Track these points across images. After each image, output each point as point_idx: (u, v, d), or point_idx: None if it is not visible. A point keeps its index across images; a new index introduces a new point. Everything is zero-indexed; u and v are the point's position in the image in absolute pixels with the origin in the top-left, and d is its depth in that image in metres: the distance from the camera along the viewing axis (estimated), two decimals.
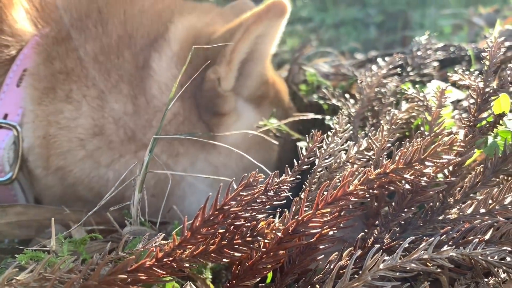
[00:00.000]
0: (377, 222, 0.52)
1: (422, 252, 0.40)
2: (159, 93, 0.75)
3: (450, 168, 0.51)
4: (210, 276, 0.61)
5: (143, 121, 0.74)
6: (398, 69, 0.86)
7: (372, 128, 0.62)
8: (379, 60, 0.92)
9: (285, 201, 0.47)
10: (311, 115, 0.87)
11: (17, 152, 0.71)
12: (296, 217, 0.43)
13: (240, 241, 0.42)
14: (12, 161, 0.72)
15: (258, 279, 0.46)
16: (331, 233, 0.45)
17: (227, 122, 0.79)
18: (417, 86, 0.88)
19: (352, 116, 0.77)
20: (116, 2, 0.79)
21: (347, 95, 0.86)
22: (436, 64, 0.95)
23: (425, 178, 0.45)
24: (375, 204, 0.57)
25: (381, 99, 0.78)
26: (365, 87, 0.79)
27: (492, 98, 0.53)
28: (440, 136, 0.49)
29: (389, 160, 0.43)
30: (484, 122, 0.51)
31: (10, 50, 0.74)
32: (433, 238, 0.41)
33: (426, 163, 0.42)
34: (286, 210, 0.47)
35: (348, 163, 0.53)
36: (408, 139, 0.56)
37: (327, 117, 0.86)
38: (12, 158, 0.72)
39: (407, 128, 0.71)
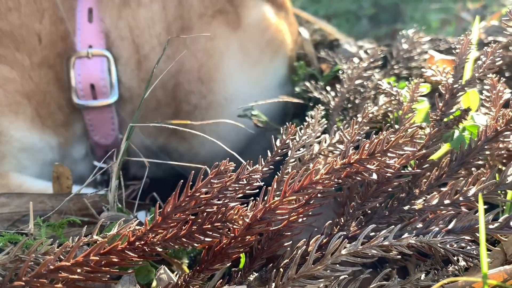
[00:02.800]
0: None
1: (382, 239, 0.42)
2: None
3: (417, 160, 0.53)
4: (187, 261, 0.63)
5: (187, 7, 0.85)
6: (380, 62, 0.87)
7: (345, 122, 0.63)
8: (361, 52, 0.93)
9: (257, 190, 0.49)
10: (295, 100, 0.88)
11: (112, 74, 0.82)
12: (264, 204, 0.45)
13: (209, 226, 0.44)
14: (111, 83, 0.82)
15: (228, 264, 0.48)
16: (300, 220, 0.47)
17: (248, 2, 0.91)
18: (400, 80, 0.90)
19: (331, 109, 0.78)
20: None
21: (328, 88, 0.87)
22: (424, 57, 0.96)
23: (390, 169, 0.47)
24: (347, 193, 0.59)
25: (361, 92, 0.80)
26: (346, 80, 0.80)
27: (460, 93, 0.55)
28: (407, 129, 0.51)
29: (354, 151, 0.45)
30: (451, 117, 0.53)
31: None
32: (393, 226, 0.43)
33: (389, 154, 0.43)
34: (257, 198, 0.49)
35: (320, 155, 0.55)
36: (382, 130, 0.58)
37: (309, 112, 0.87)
38: (110, 80, 0.82)
39: (384, 122, 0.72)
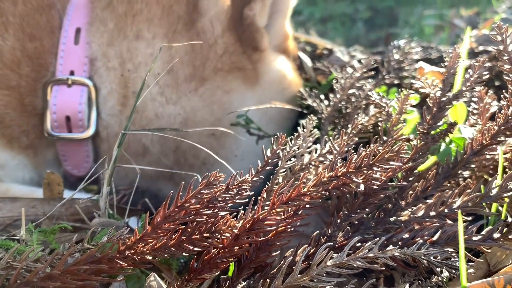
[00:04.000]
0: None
1: (367, 251, 0.43)
2: (210, 27, 0.81)
3: (404, 172, 0.54)
4: (177, 267, 0.63)
5: (200, 58, 0.80)
6: (372, 72, 0.88)
7: (335, 132, 0.64)
8: (354, 62, 0.94)
9: (247, 199, 0.50)
10: (288, 106, 0.89)
11: (92, 107, 0.76)
12: (253, 215, 0.46)
13: (198, 236, 0.44)
14: (89, 116, 0.76)
15: (217, 273, 0.49)
16: (288, 230, 0.48)
17: (267, 58, 0.88)
18: (390, 90, 0.91)
19: (323, 118, 0.79)
20: None
21: (322, 96, 0.88)
22: (414, 67, 0.97)
23: (377, 182, 0.48)
24: (336, 202, 0.60)
25: (353, 102, 0.81)
26: (338, 90, 0.81)
27: (448, 107, 0.56)
28: (395, 142, 0.52)
29: (341, 164, 0.46)
30: (438, 130, 0.54)
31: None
32: (378, 238, 0.44)
33: (375, 168, 0.44)
34: (247, 208, 0.50)
35: (310, 165, 0.56)
36: (371, 143, 0.59)
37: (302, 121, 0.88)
38: (88, 113, 0.76)
39: (373, 132, 0.73)
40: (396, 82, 0.93)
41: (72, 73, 0.75)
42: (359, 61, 0.90)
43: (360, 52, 1.21)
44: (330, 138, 0.57)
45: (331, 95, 0.82)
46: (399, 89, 0.85)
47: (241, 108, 0.82)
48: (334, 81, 0.90)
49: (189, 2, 0.81)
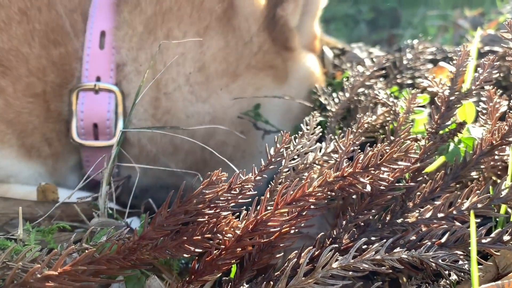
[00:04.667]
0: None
1: (374, 253, 0.42)
2: (245, 25, 0.81)
3: (411, 173, 0.52)
4: (178, 268, 0.62)
5: (235, 54, 0.79)
6: (383, 72, 0.87)
7: (341, 131, 0.63)
8: (366, 60, 0.93)
9: (250, 199, 0.49)
10: (299, 101, 0.88)
11: (119, 114, 0.74)
12: (256, 216, 0.45)
13: (199, 237, 0.43)
14: (116, 123, 0.74)
15: (218, 275, 0.48)
16: (292, 231, 0.47)
17: (297, 57, 0.89)
18: (402, 90, 0.89)
19: (331, 116, 0.78)
20: None
21: (334, 94, 0.87)
22: (427, 67, 0.95)
23: (384, 182, 0.46)
24: (341, 204, 0.59)
25: (362, 101, 0.79)
26: (348, 88, 0.80)
27: (456, 106, 0.54)
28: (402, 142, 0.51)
29: (348, 163, 0.45)
30: (446, 130, 0.53)
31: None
32: (384, 240, 0.43)
33: (382, 168, 0.43)
34: (249, 208, 0.48)
35: (314, 165, 0.54)
36: (378, 142, 0.58)
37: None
38: (115, 120, 0.74)
39: (382, 131, 0.72)
40: (408, 82, 0.91)
41: (98, 79, 0.73)
42: (372, 59, 0.89)
43: (379, 49, 1.20)
44: (336, 137, 0.56)
45: (340, 93, 0.80)
46: (409, 89, 0.84)
47: (269, 105, 0.83)
48: (345, 79, 0.89)
49: None
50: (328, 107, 0.81)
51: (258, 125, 0.82)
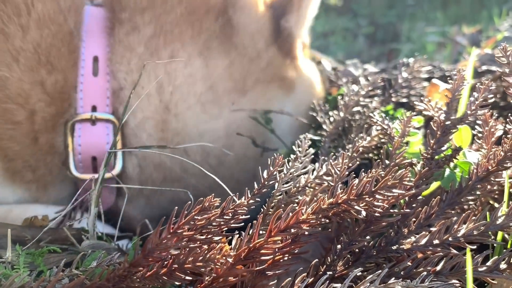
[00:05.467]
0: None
1: (369, 284, 0.41)
2: (251, 42, 0.81)
3: (406, 198, 0.52)
4: None
5: (240, 71, 0.79)
6: (379, 91, 0.87)
7: (333, 153, 0.62)
8: (361, 79, 0.93)
9: (243, 223, 0.48)
10: (295, 116, 0.88)
11: (119, 145, 0.70)
12: (249, 243, 0.44)
13: (190, 265, 0.42)
14: (115, 154, 0.70)
15: None
16: (285, 258, 0.46)
17: (300, 65, 0.90)
18: (397, 110, 0.89)
19: (325, 136, 0.77)
20: None
21: (331, 112, 0.87)
22: (422, 85, 0.95)
23: (379, 209, 0.46)
24: (336, 228, 0.58)
25: (356, 120, 0.79)
26: (342, 107, 0.80)
27: (452, 131, 0.54)
28: (397, 167, 0.50)
29: (342, 190, 0.44)
30: (442, 155, 0.52)
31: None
32: (380, 271, 0.42)
33: (377, 196, 0.42)
34: (242, 233, 0.47)
35: (307, 188, 0.54)
36: (373, 166, 0.57)
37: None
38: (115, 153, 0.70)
39: (377, 152, 0.71)
40: (403, 100, 0.91)
41: (94, 108, 0.70)
42: (367, 78, 0.89)
43: (374, 66, 1.21)
44: (330, 160, 0.56)
45: (335, 112, 0.80)
46: (405, 110, 0.84)
47: (276, 117, 0.83)
48: (339, 97, 0.89)
49: (219, 17, 0.79)
50: (324, 126, 0.81)
51: (256, 143, 0.81)
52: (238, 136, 0.78)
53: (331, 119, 0.81)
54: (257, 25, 0.82)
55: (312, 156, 0.56)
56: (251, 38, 0.82)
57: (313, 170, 0.55)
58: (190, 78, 0.75)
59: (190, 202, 0.45)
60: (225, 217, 0.46)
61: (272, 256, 0.44)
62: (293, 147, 0.57)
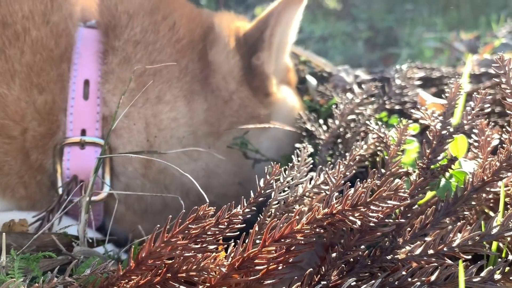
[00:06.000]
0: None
1: None
2: (224, 84, 0.80)
3: (401, 208, 0.52)
4: None
5: (216, 115, 0.79)
6: (373, 99, 0.87)
7: (330, 162, 0.62)
8: (355, 87, 0.93)
9: (238, 232, 0.48)
10: (287, 128, 0.88)
11: (105, 168, 0.71)
12: (243, 253, 0.44)
13: (184, 274, 0.42)
14: (103, 177, 0.71)
15: None
16: (279, 268, 0.46)
17: (277, 99, 0.88)
18: (391, 116, 0.89)
19: (321, 144, 0.78)
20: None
21: (321, 121, 0.87)
22: (416, 92, 0.95)
23: (374, 219, 0.45)
24: (331, 236, 0.58)
25: (352, 128, 0.79)
26: (337, 115, 0.80)
27: (448, 140, 0.54)
28: (392, 177, 0.50)
29: (337, 200, 0.44)
30: (437, 165, 0.52)
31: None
32: (373, 281, 0.42)
33: (371, 206, 0.42)
34: (237, 242, 0.47)
35: (304, 197, 0.54)
36: (368, 175, 0.57)
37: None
38: (103, 175, 0.70)
39: (373, 160, 0.71)
40: (397, 108, 0.92)
41: (83, 132, 0.70)
42: (360, 86, 0.89)
43: (365, 72, 1.21)
44: (327, 168, 0.56)
45: (330, 121, 0.80)
46: (400, 117, 0.84)
47: (259, 151, 0.82)
48: (334, 105, 0.89)
49: (200, 56, 0.79)
50: (317, 134, 0.81)
51: (248, 155, 0.82)
52: (217, 176, 0.79)
53: (324, 127, 0.81)
54: (228, 65, 0.81)
55: (316, 162, 0.56)
56: (224, 79, 0.81)
57: (311, 179, 0.55)
58: (174, 122, 0.76)
59: (184, 211, 0.44)
60: (220, 226, 0.46)
61: (266, 266, 0.44)
62: (292, 156, 0.57)
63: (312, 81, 1.11)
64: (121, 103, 0.69)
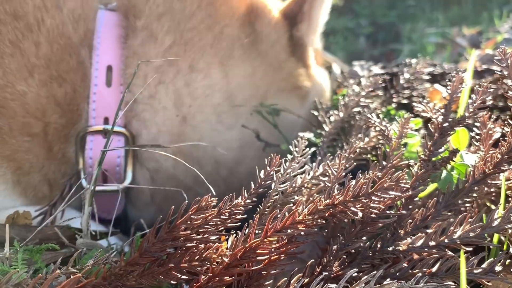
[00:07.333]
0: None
1: (364, 285, 0.41)
2: (273, 53, 0.81)
3: (403, 200, 0.52)
4: None
5: (264, 79, 0.79)
6: (379, 92, 0.87)
7: (329, 154, 0.63)
8: (362, 79, 0.93)
9: (240, 223, 0.48)
10: (297, 114, 0.88)
11: (128, 157, 0.69)
12: (245, 243, 0.44)
13: (187, 264, 0.42)
14: (125, 167, 0.69)
15: None
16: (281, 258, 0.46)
17: (313, 73, 0.91)
18: (398, 112, 0.89)
19: (323, 136, 0.78)
20: None
21: (331, 111, 0.87)
22: (424, 86, 0.95)
23: (375, 210, 0.46)
24: (332, 228, 0.58)
25: (357, 120, 0.79)
26: (341, 107, 0.80)
27: (450, 133, 0.54)
28: (394, 168, 0.50)
29: (339, 191, 0.44)
30: (439, 157, 0.52)
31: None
32: (375, 272, 0.42)
33: (373, 197, 0.42)
34: (238, 233, 0.48)
35: (303, 188, 0.54)
36: (370, 167, 0.57)
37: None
38: (125, 164, 0.69)
39: (375, 153, 0.71)
40: (404, 101, 0.91)
41: (106, 120, 0.68)
42: (368, 79, 0.89)
43: (380, 68, 1.21)
44: (327, 160, 0.56)
45: (335, 112, 0.80)
46: (407, 111, 0.84)
47: (295, 126, 0.83)
48: (340, 97, 0.89)
49: (242, 24, 0.78)
50: (324, 125, 0.81)
51: (260, 137, 0.81)
52: (251, 148, 0.77)
53: (332, 118, 0.81)
54: (276, 35, 0.83)
55: (309, 156, 0.56)
56: (273, 47, 0.82)
57: (310, 170, 0.55)
58: (208, 89, 0.73)
59: (186, 201, 0.45)
60: (222, 217, 0.46)
61: (268, 256, 0.44)
62: (290, 146, 0.57)
63: (336, 69, 1.12)
64: (145, 83, 0.68)
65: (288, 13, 0.86)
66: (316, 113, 0.88)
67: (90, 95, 0.67)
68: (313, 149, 0.58)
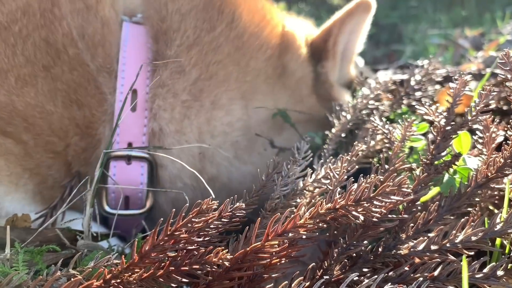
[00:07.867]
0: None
1: None
2: (297, 87, 0.82)
3: (405, 203, 0.51)
4: None
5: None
6: (389, 95, 0.86)
7: (332, 157, 0.62)
8: (371, 81, 0.92)
9: (240, 226, 0.48)
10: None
11: (151, 184, 0.68)
12: (246, 246, 0.44)
13: (187, 268, 0.42)
14: (147, 193, 0.68)
15: None
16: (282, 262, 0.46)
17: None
18: (408, 112, 0.88)
19: (329, 138, 0.77)
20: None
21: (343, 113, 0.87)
22: (435, 88, 0.94)
23: (377, 214, 0.45)
24: (335, 232, 0.58)
25: (365, 123, 0.78)
26: (349, 109, 0.79)
27: (452, 136, 0.54)
28: (396, 173, 0.50)
29: (340, 195, 0.44)
30: (441, 160, 0.52)
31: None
32: (375, 276, 0.42)
33: (375, 202, 0.42)
34: (239, 236, 0.48)
35: (305, 191, 0.54)
36: (372, 171, 0.57)
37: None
38: (147, 190, 0.68)
39: (377, 157, 0.71)
40: (413, 104, 0.91)
41: (130, 145, 0.67)
42: (377, 81, 0.88)
43: (403, 73, 1.21)
44: (330, 163, 0.55)
45: (342, 114, 0.80)
46: (408, 115, 0.83)
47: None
48: (348, 100, 0.89)
49: (269, 57, 0.77)
50: (333, 128, 0.80)
51: (274, 144, 0.81)
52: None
53: (343, 120, 0.80)
54: (302, 72, 0.83)
55: (315, 158, 0.56)
56: (297, 83, 0.82)
57: (312, 173, 0.55)
58: (228, 127, 0.73)
59: (187, 204, 0.45)
60: (223, 220, 0.46)
61: (269, 260, 0.44)
62: (292, 149, 0.57)
63: (359, 62, 1.11)
64: (172, 118, 0.67)
65: (314, 48, 0.86)
66: (330, 116, 0.87)
67: (114, 119, 0.66)
68: (311, 153, 0.58)
